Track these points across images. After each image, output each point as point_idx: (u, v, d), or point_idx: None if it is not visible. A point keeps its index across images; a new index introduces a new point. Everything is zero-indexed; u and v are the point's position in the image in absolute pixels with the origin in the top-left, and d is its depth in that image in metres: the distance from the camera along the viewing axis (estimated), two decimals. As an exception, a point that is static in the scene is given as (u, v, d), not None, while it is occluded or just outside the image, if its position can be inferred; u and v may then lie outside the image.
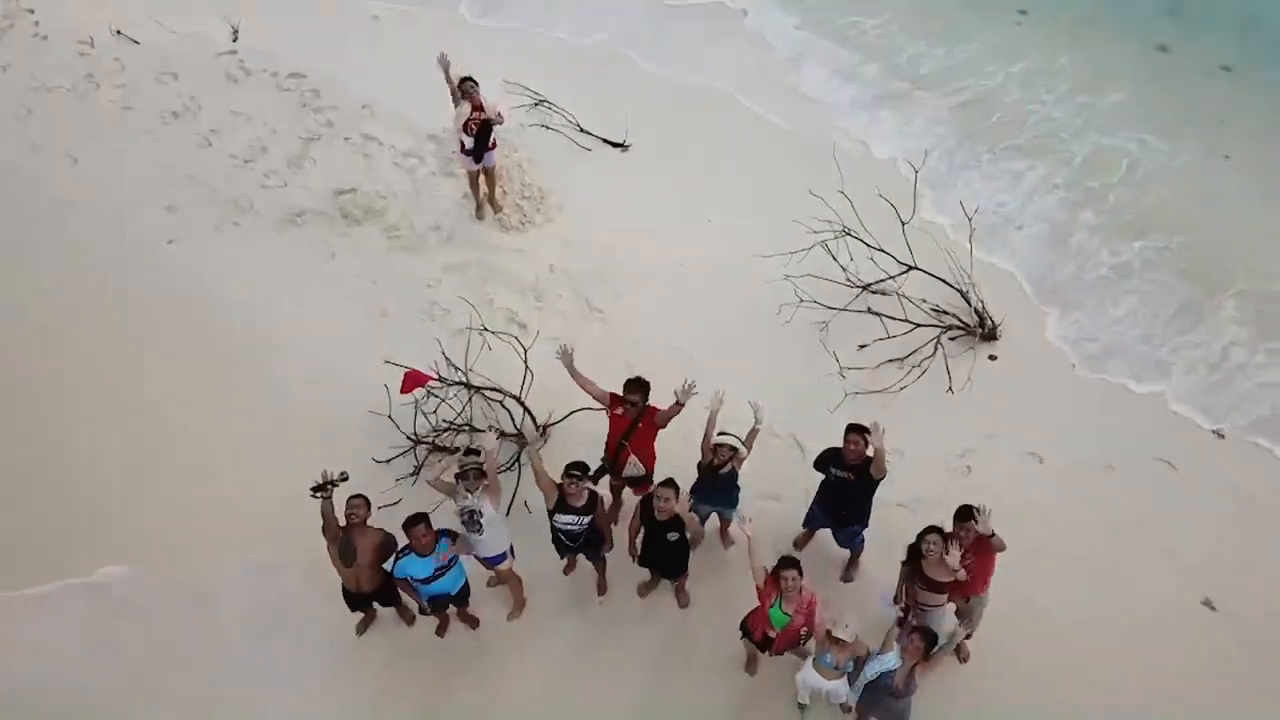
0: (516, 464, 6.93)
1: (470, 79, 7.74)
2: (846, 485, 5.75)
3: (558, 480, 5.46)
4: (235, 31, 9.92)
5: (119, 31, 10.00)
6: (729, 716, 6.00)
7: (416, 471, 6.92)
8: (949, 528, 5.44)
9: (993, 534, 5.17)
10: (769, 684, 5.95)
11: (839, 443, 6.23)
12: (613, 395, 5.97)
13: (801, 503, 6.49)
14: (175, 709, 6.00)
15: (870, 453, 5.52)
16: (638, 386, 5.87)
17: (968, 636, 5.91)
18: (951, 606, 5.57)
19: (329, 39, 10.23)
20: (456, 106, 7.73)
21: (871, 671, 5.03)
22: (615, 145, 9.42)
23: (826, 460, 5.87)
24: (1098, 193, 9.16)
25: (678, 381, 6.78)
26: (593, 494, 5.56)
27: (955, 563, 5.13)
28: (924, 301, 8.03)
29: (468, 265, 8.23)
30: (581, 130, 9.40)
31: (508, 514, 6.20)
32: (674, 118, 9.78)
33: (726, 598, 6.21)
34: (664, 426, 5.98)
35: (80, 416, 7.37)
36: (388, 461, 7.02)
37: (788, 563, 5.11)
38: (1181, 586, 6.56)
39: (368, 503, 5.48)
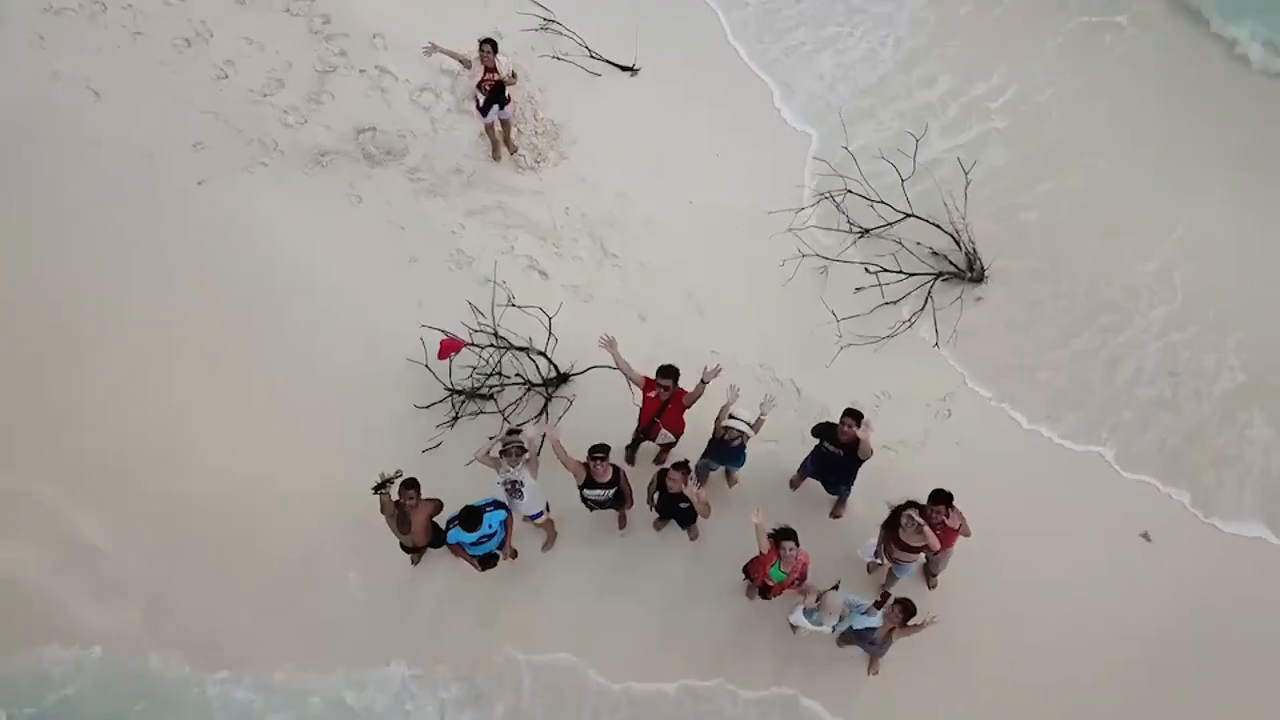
0: (544, 413, 7.78)
1: (489, 41, 7.89)
2: (836, 459, 6.63)
3: (583, 461, 6.33)
4: (236, -55, 9.72)
5: (119, -52, 9.80)
6: (731, 632, 7.22)
7: (454, 419, 7.78)
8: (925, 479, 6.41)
9: (960, 524, 6.12)
10: (766, 608, 7.09)
11: (836, 389, 7.07)
12: (647, 379, 6.73)
13: (798, 444, 7.35)
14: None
15: (861, 435, 6.34)
16: (668, 373, 6.61)
17: (934, 574, 7.02)
18: (921, 557, 6.58)
19: None
20: (469, 69, 7.93)
21: (856, 625, 6.11)
22: (625, 69, 9.53)
23: (821, 433, 6.70)
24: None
25: (690, 328, 7.52)
26: (616, 468, 6.44)
27: (935, 544, 6.06)
28: (919, 244, 8.60)
29: (488, 209, 8.68)
30: (592, 56, 9.48)
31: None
32: (684, 38, 9.80)
33: (731, 533, 7.17)
34: (690, 406, 6.76)
35: (117, 358, 8.14)
36: (428, 407, 7.87)
37: (787, 534, 6.04)
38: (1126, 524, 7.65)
39: (418, 488, 6.36)
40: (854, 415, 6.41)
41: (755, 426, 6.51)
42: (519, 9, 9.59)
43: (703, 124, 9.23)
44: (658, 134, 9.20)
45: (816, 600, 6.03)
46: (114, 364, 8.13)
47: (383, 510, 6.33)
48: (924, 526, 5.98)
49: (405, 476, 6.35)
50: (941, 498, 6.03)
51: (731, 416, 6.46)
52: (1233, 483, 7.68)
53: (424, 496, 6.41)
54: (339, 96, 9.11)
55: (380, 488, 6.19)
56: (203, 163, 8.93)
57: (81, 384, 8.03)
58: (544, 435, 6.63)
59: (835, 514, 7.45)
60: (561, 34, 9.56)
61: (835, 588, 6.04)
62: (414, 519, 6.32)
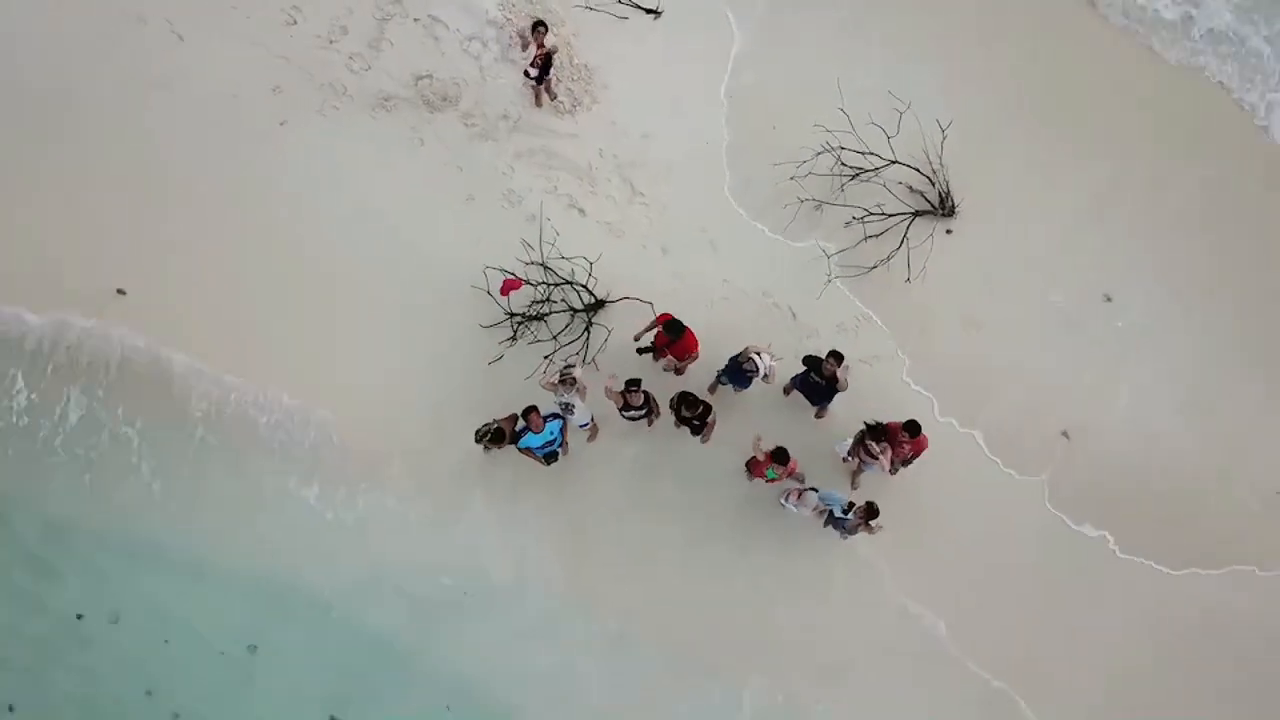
0: (586, 334, 9.56)
1: (541, 23, 9.08)
2: (819, 385, 8.51)
3: (621, 392, 8.25)
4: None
5: (179, -113, 10.56)
6: (735, 508, 9.40)
7: (514, 338, 9.58)
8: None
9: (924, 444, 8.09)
10: (762, 492, 9.18)
11: (825, 314, 8.92)
12: (659, 333, 8.59)
13: (792, 359, 9.19)
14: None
15: (840, 374, 8.15)
16: (670, 329, 8.53)
17: (897, 470, 8.99)
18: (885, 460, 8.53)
19: None
20: (524, 51, 9.20)
21: (831, 504, 8.16)
22: (649, 11, 10.56)
23: (809, 364, 8.53)
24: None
25: (704, 261, 9.26)
26: (646, 394, 8.33)
27: (886, 466, 8.04)
28: (900, 183, 10.02)
29: (533, 152, 10.06)
30: (619, 1, 10.48)
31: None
32: None
33: (734, 436, 9.17)
34: (684, 358, 8.82)
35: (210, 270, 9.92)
36: (490, 327, 9.65)
37: (781, 457, 7.98)
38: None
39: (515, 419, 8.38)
40: (837, 356, 8.24)
41: (767, 376, 8.33)
42: (551, -48, 10.56)
43: (718, 68, 10.42)
44: (678, 76, 10.40)
45: (798, 496, 8.06)
46: (205, 275, 9.93)
47: (486, 439, 8.32)
48: (885, 450, 7.93)
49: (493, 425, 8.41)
50: (912, 429, 7.98)
51: (757, 354, 8.27)
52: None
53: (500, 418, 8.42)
54: (397, 44, 10.25)
55: (483, 438, 8.32)
56: (281, 105, 10.27)
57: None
58: (605, 383, 8.64)
59: (818, 416, 9.38)
60: (592, -23, 10.58)
61: (814, 490, 8.07)
62: (507, 430, 8.35)
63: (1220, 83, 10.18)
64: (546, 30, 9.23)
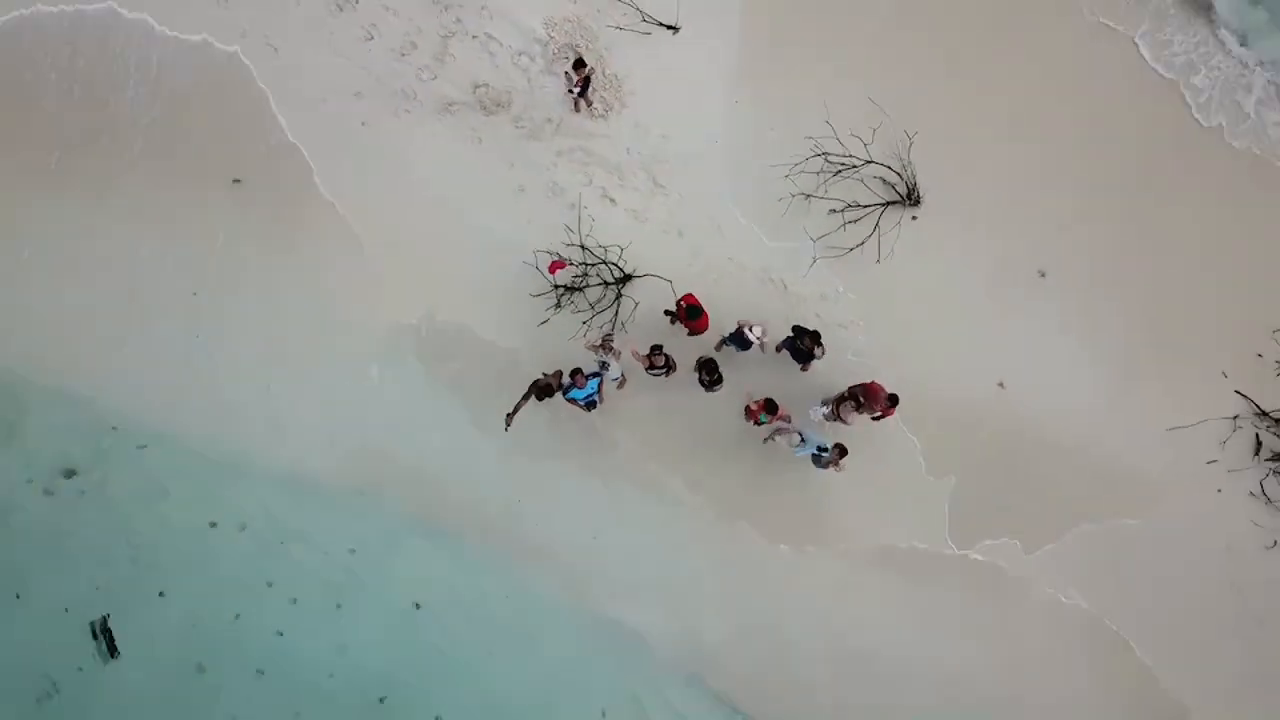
0: (617, 303, 11.80)
1: (581, 61, 11.14)
2: (802, 350, 10.79)
3: (646, 355, 10.53)
4: (366, -79, 12.32)
5: (272, -81, 12.40)
6: (736, 440, 11.77)
7: (558, 305, 11.83)
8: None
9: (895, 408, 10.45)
10: (755, 431, 11.55)
11: (810, 287, 11.29)
12: (681, 307, 10.88)
13: (783, 326, 11.48)
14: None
15: (815, 353, 10.48)
16: (691, 314, 10.87)
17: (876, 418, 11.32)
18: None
19: None
20: (570, 81, 11.29)
21: (812, 445, 10.55)
22: (668, 28, 12.47)
23: (796, 331, 10.82)
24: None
25: (713, 242, 11.50)
26: (667, 356, 10.63)
27: (851, 423, 10.42)
28: (876, 178, 12.09)
29: (573, 150, 12.15)
30: (644, 19, 12.37)
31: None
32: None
33: (738, 388, 11.49)
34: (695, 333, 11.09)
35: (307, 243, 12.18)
36: (538, 296, 11.90)
37: (771, 405, 10.31)
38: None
39: (560, 374, 10.75)
40: (815, 337, 10.56)
41: (762, 345, 10.64)
42: (588, -23, 12.41)
43: (727, 79, 12.38)
44: (692, 85, 12.38)
45: (781, 434, 10.47)
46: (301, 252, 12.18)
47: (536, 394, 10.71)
48: (856, 411, 10.31)
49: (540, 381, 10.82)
50: (893, 400, 10.38)
51: (749, 328, 10.58)
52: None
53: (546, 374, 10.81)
54: (458, 58, 12.25)
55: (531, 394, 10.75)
56: (362, 108, 12.32)
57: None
58: (630, 350, 10.99)
59: (803, 370, 11.68)
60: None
61: (799, 433, 10.47)
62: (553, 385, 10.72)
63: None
64: (585, 65, 11.30)
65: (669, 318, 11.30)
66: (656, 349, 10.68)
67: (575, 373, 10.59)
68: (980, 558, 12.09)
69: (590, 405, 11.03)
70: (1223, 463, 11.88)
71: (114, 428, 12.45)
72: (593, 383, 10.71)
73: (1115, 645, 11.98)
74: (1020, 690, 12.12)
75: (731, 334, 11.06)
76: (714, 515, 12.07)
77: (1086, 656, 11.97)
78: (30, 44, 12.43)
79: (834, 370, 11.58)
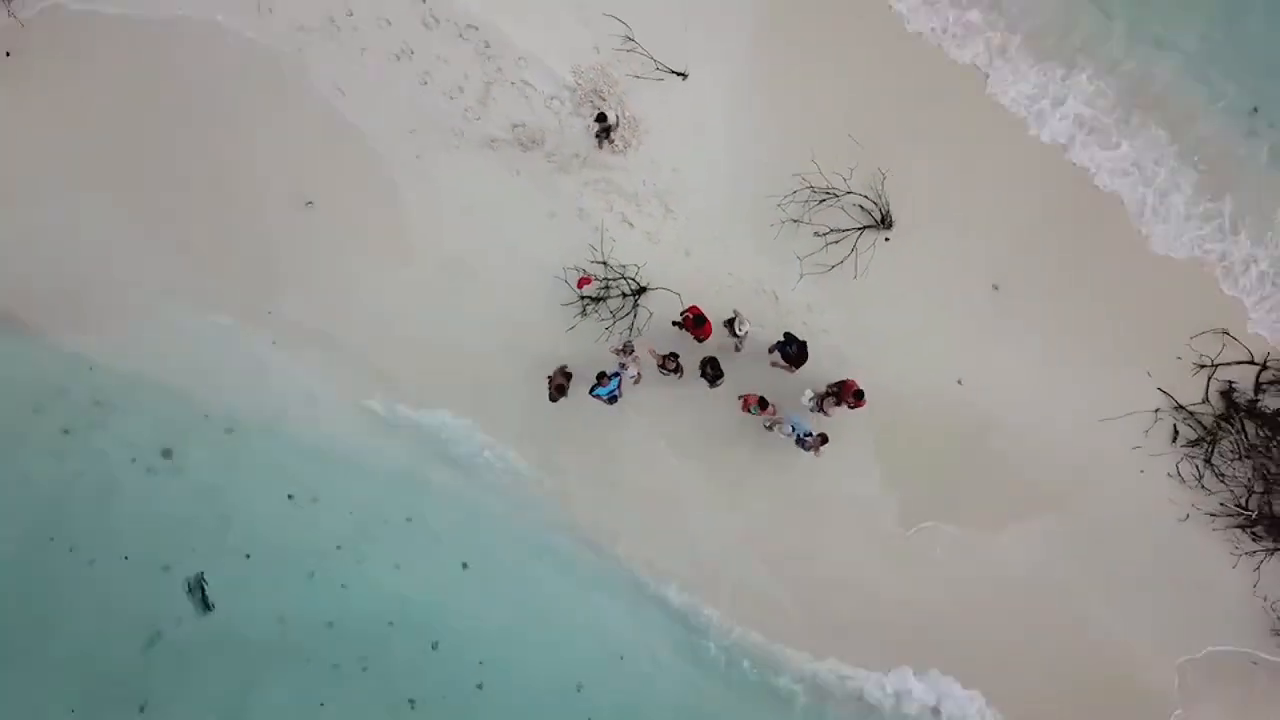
0: (634, 312, 13.92)
1: (603, 115, 13.25)
2: (790, 352, 12.94)
3: (661, 358, 12.73)
4: (421, -17, 14.35)
5: (340, -19, 14.44)
6: (729, 424, 13.94)
7: (583, 313, 13.97)
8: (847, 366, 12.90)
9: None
10: (753, 420, 13.73)
11: (798, 298, 13.44)
12: (688, 317, 12.95)
13: (776, 329, 13.62)
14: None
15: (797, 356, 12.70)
16: (695, 323, 12.94)
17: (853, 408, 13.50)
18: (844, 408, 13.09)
19: None
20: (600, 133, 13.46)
21: (799, 430, 12.76)
22: (678, 75, 14.51)
23: (786, 337, 13.01)
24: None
25: (716, 259, 13.61)
26: (678, 360, 12.81)
27: (832, 415, 12.63)
28: (855, 206, 14.18)
29: (596, 182, 14.26)
30: (657, 67, 14.42)
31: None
32: (732, 52, 14.57)
33: (735, 384, 13.67)
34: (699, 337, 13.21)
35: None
36: (567, 305, 14.03)
37: (762, 401, 12.51)
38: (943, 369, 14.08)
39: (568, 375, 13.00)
40: (802, 346, 12.85)
41: (746, 334, 12.88)
42: (611, 32, 14.40)
43: (728, 119, 14.45)
44: (698, 124, 14.44)
45: (774, 424, 12.68)
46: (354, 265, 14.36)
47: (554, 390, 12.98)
48: (838, 404, 12.51)
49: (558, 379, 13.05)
50: (859, 395, 12.58)
51: (742, 322, 12.81)
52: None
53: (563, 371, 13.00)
54: (499, 101, 14.35)
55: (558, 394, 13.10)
56: (417, 143, 14.42)
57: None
58: (647, 350, 13.12)
59: (790, 372, 13.82)
60: (636, 50, 14.45)
61: (790, 424, 12.67)
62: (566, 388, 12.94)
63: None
64: (607, 119, 13.54)
65: (677, 326, 13.48)
66: (673, 355, 13.01)
67: (601, 376, 12.98)
68: (931, 524, 14.37)
69: (612, 399, 13.25)
70: (1145, 449, 14.07)
71: (205, 416, 14.64)
72: (614, 380, 12.93)
73: (1052, 596, 14.24)
74: (967, 634, 14.38)
75: (725, 320, 13.31)
76: (715, 484, 14.36)
77: (1025, 606, 14.23)
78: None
79: (817, 368, 13.73)
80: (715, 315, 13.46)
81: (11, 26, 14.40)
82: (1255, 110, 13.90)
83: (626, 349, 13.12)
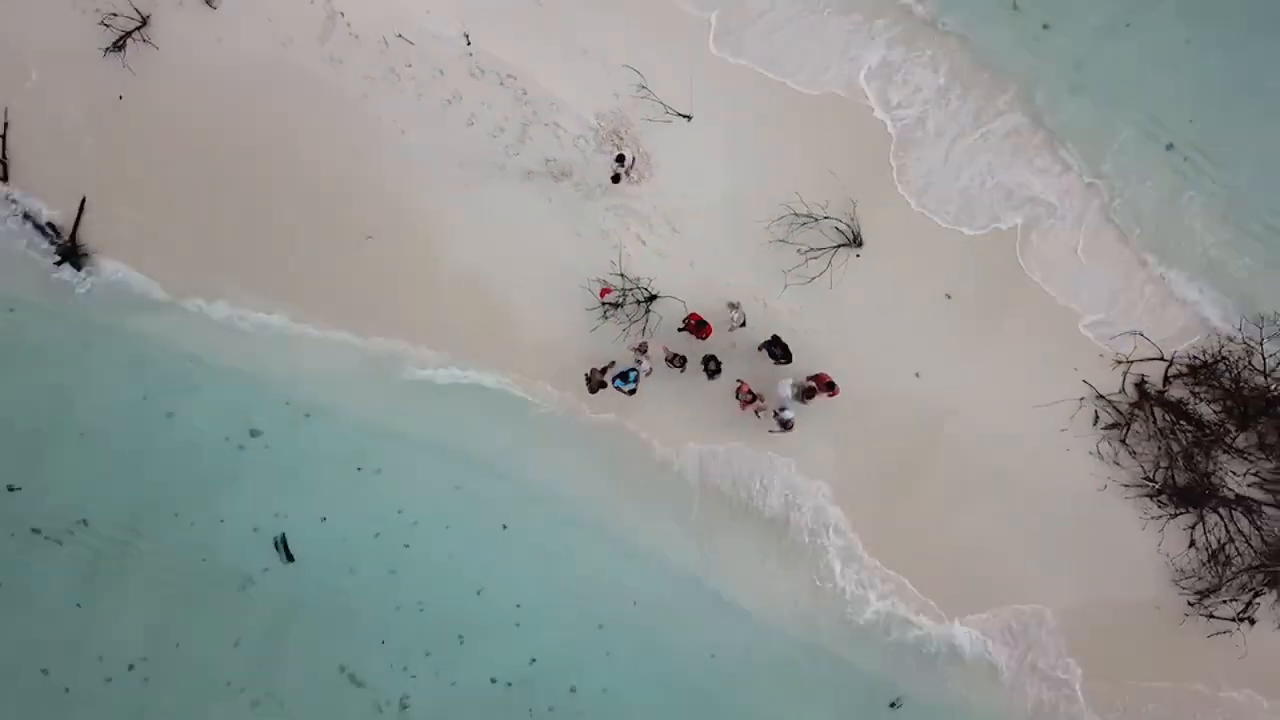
0: (646, 316, 16.75)
1: (621, 155, 16.02)
2: (775, 352, 15.79)
3: (669, 357, 15.68)
4: (467, 38, 17.05)
5: (399, 35, 17.14)
6: (725, 408, 16.79)
7: (605, 316, 16.81)
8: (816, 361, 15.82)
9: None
10: (744, 412, 16.62)
11: (784, 304, 16.28)
12: (691, 322, 15.79)
13: (764, 331, 16.49)
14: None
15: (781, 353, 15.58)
16: (696, 325, 15.68)
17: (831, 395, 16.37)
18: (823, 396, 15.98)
19: (533, 44, 17.28)
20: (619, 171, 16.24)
21: (786, 420, 15.69)
22: (684, 116, 17.26)
23: (774, 340, 15.88)
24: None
25: (717, 272, 16.47)
26: (684, 358, 15.79)
27: (808, 403, 15.56)
28: (831, 227, 16.97)
29: (616, 207, 17.09)
30: (666, 111, 17.16)
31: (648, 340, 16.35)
32: (730, 99, 17.32)
33: (731, 377, 16.54)
34: (701, 335, 16.02)
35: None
36: (591, 309, 16.88)
37: (752, 396, 15.42)
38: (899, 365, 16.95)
39: (604, 370, 15.79)
40: (785, 348, 15.67)
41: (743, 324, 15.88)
42: (628, 81, 17.14)
43: (727, 155, 17.21)
44: (701, 159, 17.23)
45: (761, 410, 15.60)
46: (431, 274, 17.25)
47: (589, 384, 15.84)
48: (813, 396, 15.41)
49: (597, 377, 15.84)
50: (831, 386, 15.42)
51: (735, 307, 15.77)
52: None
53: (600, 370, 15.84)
54: (534, 139, 17.14)
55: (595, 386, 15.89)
56: (465, 174, 17.21)
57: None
58: (660, 348, 16.02)
59: (776, 365, 16.65)
60: (649, 96, 17.18)
61: (774, 412, 15.58)
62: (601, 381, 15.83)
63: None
64: (626, 159, 16.38)
65: (682, 331, 16.35)
66: (676, 353, 16.01)
67: (624, 372, 16.05)
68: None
69: (631, 392, 16.14)
70: (1071, 431, 16.96)
71: (286, 402, 17.52)
72: (632, 375, 15.78)
73: (991, 557, 17.16)
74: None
75: (730, 303, 16.48)
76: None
77: (972, 561, 17.16)
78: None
79: (799, 362, 16.56)
80: (714, 315, 16.38)
81: (125, 74, 17.26)
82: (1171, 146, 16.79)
83: (642, 348, 16.02)
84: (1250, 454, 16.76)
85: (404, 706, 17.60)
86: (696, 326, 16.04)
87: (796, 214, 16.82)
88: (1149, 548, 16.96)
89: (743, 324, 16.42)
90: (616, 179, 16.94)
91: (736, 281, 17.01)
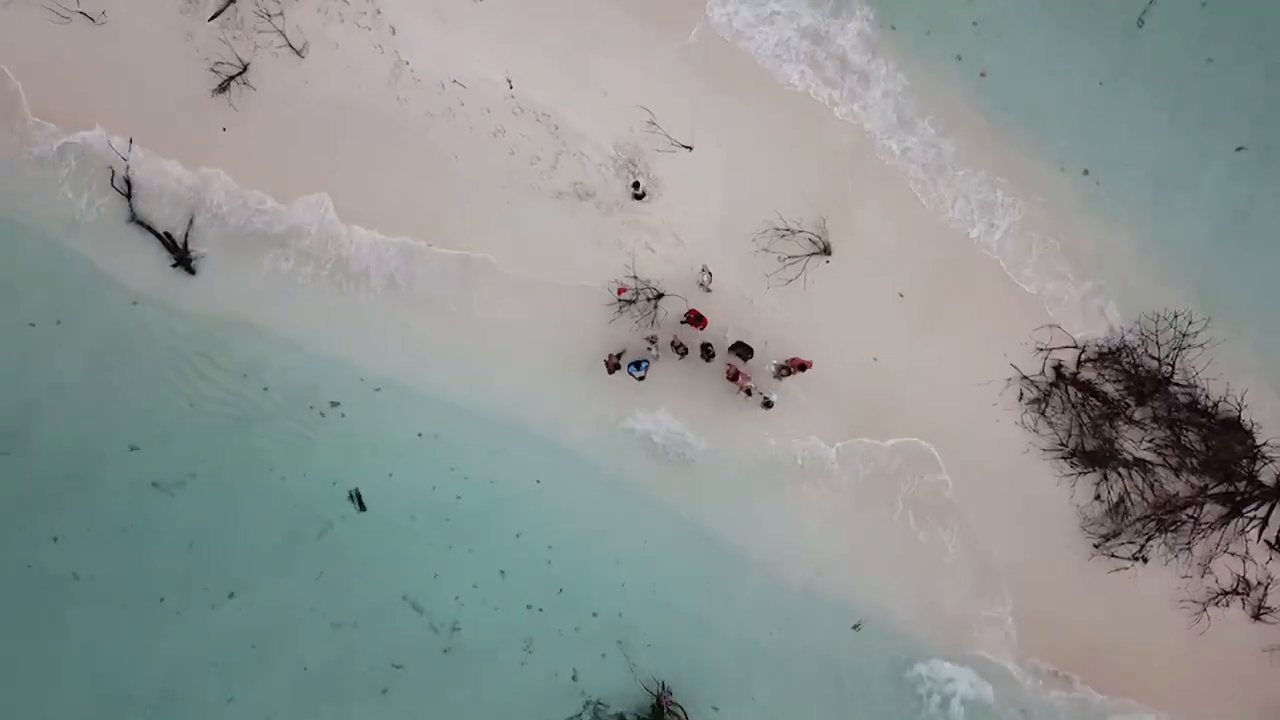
0: (655, 311, 20.61)
1: (637, 183, 19.84)
2: (743, 353, 19.71)
3: (675, 346, 19.61)
4: (510, 83, 20.89)
5: (454, 80, 20.97)
6: (719, 391, 20.68)
7: (620, 311, 20.68)
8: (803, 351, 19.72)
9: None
10: (729, 385, 20.52)
11: (767, 302, 20.13)
12: (690, 315, 19.75)
13: (750, 326, 20.38)
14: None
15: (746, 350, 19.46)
16: (696, 319, 19.59)
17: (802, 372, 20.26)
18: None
19: (563, 88, 21.14)
20: (635, 195, 20.08)
21: (772, 400, 19.62)
22: (686, 148, 21.09)
23: (735, 343, 19.83)
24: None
25: (714, 275, 20.38)
26: (686, 348, 19.73)
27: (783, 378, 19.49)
28: (807, 239, 20.80)
29: (630, 221, 21.01)
30: (671, 143, 20.98)
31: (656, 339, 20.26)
32: (724, 134, 21.16)
33: (718, 364, 20.42)
34: (699, 326, 19.94)
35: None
36: (608, 305, 20.74)
37: (737, 373, 19.33)
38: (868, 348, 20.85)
39: (618, 355, 19.73)
40: (747, 347, 19.56)
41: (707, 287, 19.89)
42: (641, 119, 20.97)
43: (723, 180, 21.04)
44: (701, 182, 21.07)
45: (747, 388, 19.51)
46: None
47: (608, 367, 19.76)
48: (789, 374, 19.34)
49: (613, 362, 19.70)
50: (802, 366, 19.37)
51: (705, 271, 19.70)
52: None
53: (615, 355, 19.74)
54: (563, 166, 20.99)
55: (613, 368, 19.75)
56: (508, 194, 21.08)
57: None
58: (670, 337, 19.89)
59: (745, 360, 20.52)
60: (658, 131, 20.99)
61: (761, 393, 19.51)
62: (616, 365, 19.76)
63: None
64: (640, 185, 20.14)
65: (684, 323, 20.24)
66: (679, 343, 19.95)
67: (634, 362, 19.97)
68: (847, 441, 21.16)
69: (642, 379, 20.09)
70: (1000, 405, 20.86)
71: (361, 379, 21.43)
72: (644, 364, 19.67)
73: (937, 511, 21.05)
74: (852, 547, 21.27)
75: (701, 268, 20.34)
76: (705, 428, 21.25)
77: (915, 516, 21.05)
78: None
79: (781, 347, 20.44)
80: (711, 313, 20.26)
81: (228, 110, 21.14)
82: (1087, 172, 20.62)
83: (653, 339, 19.97)
84: (1145, 424, 20.69)
85: (455, 628, 21.57)
86: (695, 319, 19.94)
87: (776, 228, 20.71)
88: (1062, 500, 20.85)
89: (710, 286, 20.49)
90: (640, 196, 20.82)
91: (727, 283, 20.91)
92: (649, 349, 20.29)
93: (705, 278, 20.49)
